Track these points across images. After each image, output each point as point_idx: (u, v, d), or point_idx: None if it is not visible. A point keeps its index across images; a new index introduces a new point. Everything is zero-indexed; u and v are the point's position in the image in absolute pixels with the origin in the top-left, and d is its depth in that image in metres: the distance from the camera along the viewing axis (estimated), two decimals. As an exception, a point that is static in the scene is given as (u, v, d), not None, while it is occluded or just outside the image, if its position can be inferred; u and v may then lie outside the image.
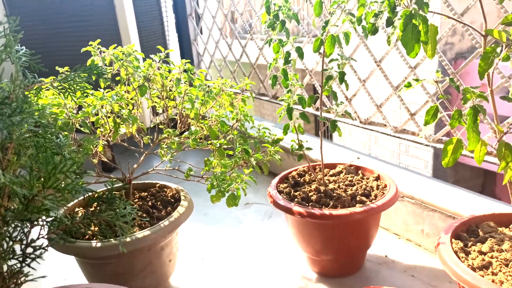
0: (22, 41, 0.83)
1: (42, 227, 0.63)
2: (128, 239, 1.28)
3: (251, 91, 1.85)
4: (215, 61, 3.17)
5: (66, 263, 1.71)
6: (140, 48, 2.55)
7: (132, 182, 1.60)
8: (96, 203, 0.89)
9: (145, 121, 2.47)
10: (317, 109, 2.20)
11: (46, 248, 0.63)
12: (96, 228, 1.42)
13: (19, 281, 0.64)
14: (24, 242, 0.65)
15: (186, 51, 3.33)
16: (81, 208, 1.52)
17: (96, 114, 1.26)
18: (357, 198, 1.45)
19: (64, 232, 1.44)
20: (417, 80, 1.10)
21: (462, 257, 1.05)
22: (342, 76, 1.41)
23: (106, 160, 1.55)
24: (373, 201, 1.42)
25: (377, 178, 1.58)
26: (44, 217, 0.58)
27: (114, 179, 1.50)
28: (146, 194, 1.60)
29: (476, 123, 0.98)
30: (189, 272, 1.67)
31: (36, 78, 0.82)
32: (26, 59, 0.81)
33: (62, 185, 0.55)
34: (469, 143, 1.00)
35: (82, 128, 1.38)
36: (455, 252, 1.05)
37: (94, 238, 1.31)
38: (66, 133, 1.15)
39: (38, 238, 0.65)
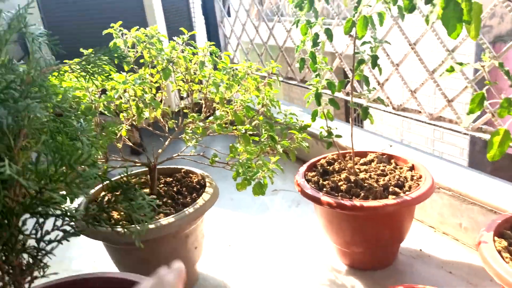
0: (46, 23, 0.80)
1: (57, 218, 0.60)
2: (152, 226, 1.25)
3: (278, 74, 1.78)
4: (242, 44, 3.10)
5: (97, 245, 1.72)
6: (166, 30, 2.51)
7: (158, 167, 1.58)
8: (113, 192, 0.86)
9: (171, 105, 2.45)
10: (347, 94, 2.12)
11: (60, 241, 0.60)
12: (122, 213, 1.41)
13: (32, 276, 0.62)
14: (38, 234, 0.62)
15: (212, 34, 3.27)
16: (107, 192, 1.51)
17: (120, 98, 1.23)
18: (390, 189, 1.38)
19: (92, 217, 1.44)
20: (460, 63, 1.01)
21: (506, 258, 0.97)
22: (375, 60, 1.32)
23: (131, 144, 1.53)
24: (407, 192, 1.34)
25: (411, 168, 1.50)
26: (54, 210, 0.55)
27: (139, 164, 1.48)
28: (171, 179, 1.57)
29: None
30: (216, 259, 1.65)
31: (54, 61, 0.79)
32: (44, 40, 0.78)
33: (69, 179, 0.51)
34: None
35: (106, 112, 1.35)
36: (499, 252, 0.97)
37: (121, 223, 1.30)
38: (90, 117, 1.13)
39: (53, 230, 0.62)
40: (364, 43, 1.31)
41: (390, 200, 1.30)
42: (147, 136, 2.83)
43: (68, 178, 0.51)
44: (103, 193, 1.50)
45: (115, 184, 0.63)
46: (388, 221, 1.39)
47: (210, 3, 3.22)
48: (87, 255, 1.73)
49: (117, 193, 0.83)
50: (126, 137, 1.48)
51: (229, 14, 3.23)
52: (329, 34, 1.36)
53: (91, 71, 0.82)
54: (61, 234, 0.63)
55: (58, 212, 0.53)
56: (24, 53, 3.24)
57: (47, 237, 0.62)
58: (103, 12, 2.49)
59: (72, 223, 0.63)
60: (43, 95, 0.75)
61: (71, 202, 0.56)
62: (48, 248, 0.63)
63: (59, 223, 0.62)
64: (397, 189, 1.38)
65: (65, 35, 2.63)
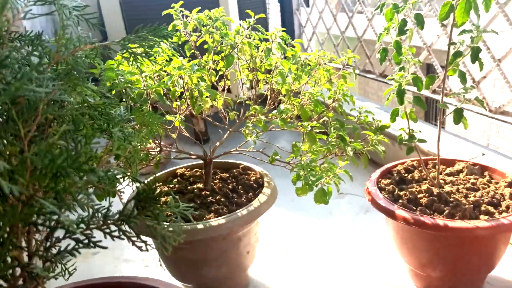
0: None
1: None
2: (200, 226, 1.15)
3: (354, 67, 1.59)
4: (318, 34, 2.91)
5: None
6: (238, 16, 2.40)
7: (215, 161, 1.47)
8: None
9: (234, 95, 2.34)
10: (433, 92, 1.86)
11: (70, 252, 0.50)
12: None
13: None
14: (46, 243, 0.52)
15: (287, 22, 3.11)
16: (160, 184, 1.43)
17: (174, 85, 1.13)
18: (482, 208, 1.15)
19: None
20: None
21: None
22: (476, 53, 1.09)
23: (197, 131, 1.43)
24: (504, 214, 1.10)
25: (511, 184, 1.24)
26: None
27: (194, 157, 1.37)
28: (227, 175, 1.46)
29: None
30: (270, 265, 1.51)
31: (89, 38, 0.68)
32: (81, 14, 0.67)
33: (61, 187, 0.40)
34: None
35: (165, 103, 1.26)
36: None
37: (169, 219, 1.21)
38: (140, 104, 1.03)
39: (64, 238, 0.52)
40: (463, 32, 1.08)
41: (483, 222, 1.07)
42: (214, 127, 2.78)
43: (59, 186, 0.40)
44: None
45: (140, 192, 0.51)
46: (477, 247, 1.16)
47: (286, -10, 3.06)
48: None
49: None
50: (183, 127, 1.38)
51: (307, 3, 3.05)
52: (419, 20, 1.15)
53: (133, 51, 0.71)
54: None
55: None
56: (103, 38, 3.30)
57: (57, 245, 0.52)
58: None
59: (88, 232, 0.52)
60: (72, 77, 0.65)
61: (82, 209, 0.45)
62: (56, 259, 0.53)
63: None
64: (491, 208, 1.15)
65: (139, 15, 2.62)
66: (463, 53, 1.09)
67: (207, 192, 1.34)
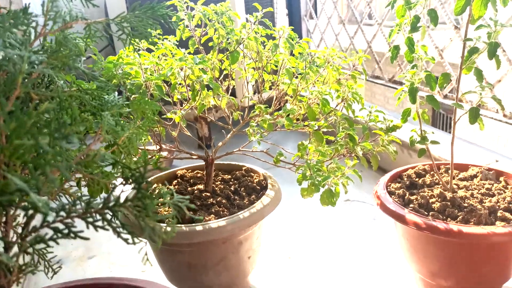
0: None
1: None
2: (199, 228, 1.09)
3: (364, 68, 1.54)
4: (326, 41, 2.86)
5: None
6: (244, 10, 2.37)
7: (217, 162, 1.41)
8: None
9: (238, 96, 2.29)
10: (444, 97, 1.80)
11: (45, 242, 0.44)
12: (169, 210, 1.26)
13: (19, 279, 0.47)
14: (22, 232, 0.47)
15: (296, 28, 3.07)
16: (158, 186, 1.38)
17: (175, 78, 1.08)
18: (498, 214, 1.08)
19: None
20: None
21: None
22: (493, 49, 1.03)
23: (199, 136, 1.38)
24: (522, 220, 1.04)
25: (528, 189, 1.18)
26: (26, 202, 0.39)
27: (195, 157, 1.32)
28: (229, 177, 1.40)
29: None
30: (272, 272, 1.44)
31: (82, 15, 0.63)
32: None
33: (35, 158, 0.35)
34: None
35: (165, 97, 1.21)
36: None
37: (167, 220, 1.15)
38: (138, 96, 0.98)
39: (41, 227, 0.46)
40: (480, 26, 1.03)
41: (500, 228, 1.00)
42: (219, 130, 2.72)
43: (26, 156, 0.34)
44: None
45: (127, 177, 0.46)
46: (493, 255, 1.09)
47: (295, -4, 3.03)
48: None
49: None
50: (184, 125, 1.33)
51: (315, 10, 3.02)
52: (433, 16, 1.09)
53: (129, 32, 0.66)
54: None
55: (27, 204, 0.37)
56: (109, 43, 3.28)
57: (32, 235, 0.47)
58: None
59: (68, 220, 0.46)
60: (61, 55, 0.60)
61: (38, 191, 0.40)
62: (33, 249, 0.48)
63: (51, 217, 0.46)
64: (508, 215, 1.08)
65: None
66: (479, 49, 1.03)
67: (207, 194, 1.28)
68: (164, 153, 1.86)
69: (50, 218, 0.49)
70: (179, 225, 1.11)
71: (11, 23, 0.55)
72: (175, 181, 1.40)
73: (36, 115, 0.43)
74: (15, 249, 0.50)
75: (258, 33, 1.29)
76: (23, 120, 0.35)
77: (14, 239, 0.54)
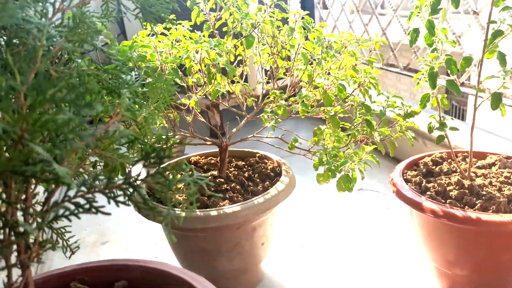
0: None
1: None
2: (214, 213, 1.08)
3: (380, 53, 1.51)
4: (339, 28, 2.83)
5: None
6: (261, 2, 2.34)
7: (231, 149, 1.40)
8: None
9: (253, 83, 2.27)
10: (461, 85, 1.77)
11: (67, 217, 0.43)
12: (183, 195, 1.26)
13: (33, 256, 0.46)
14: (43, 207, 0.46)
15: (309, 15, 3.04)
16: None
17: (191, 61, 1.06)
18: (518, 202, 1.06)
19: (150, 195, 1.32)
20: None
21: None
22: (517, 31, 1.00)
23: (211, 126, 1.37)
24: (543, 209, 1.02)
25: (549, 178, 1.15)
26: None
27: (209, 143, 1.31)
28: (243, 163, 1.39)
29: None
30: (284, 259, 1.44)
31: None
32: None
33: (58, 124, 0.34)
34: None
35: (180, 82, 1.20)
36: None
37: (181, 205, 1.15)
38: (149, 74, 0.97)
39: (63, 201, 0.46)
40: (506, 8, 1.00)
41: (520, 217, 0.98)
42: (230, 119, 2.71)
43: (51, 125, 0.33)
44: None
45: (148, 152, 0.45)
46: (511, 243, 1.07)
47: (307, -17, 2.99)
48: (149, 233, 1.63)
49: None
50: (198, 110, 1.32)
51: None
52: (453, -2, 1.06)
53: (144, 7, 0.64)
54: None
55: (50, 176, 0.36)
56: (121, 32, 3.27)
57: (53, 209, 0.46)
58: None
59: (89, 196, 0.46)
60: (79, 32, 0.59)
61: (58, 162, 0.39)
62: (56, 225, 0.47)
63: (72, 192, 0.46)
64: (527, 204, 1.06)
65: None
66: (503, 32, 1.01)
67: (221, 180, 1.27)
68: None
69: (70, 194, 0.48)
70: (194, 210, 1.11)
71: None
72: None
73: (58, 83, 0.42)
74: (34, 225, 0.49)
75: (274, 17, 1.27)
76: (46, 87, 0.34)
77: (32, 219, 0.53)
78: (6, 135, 0.32)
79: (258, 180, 1.29)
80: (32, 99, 0.34)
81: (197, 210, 1.10)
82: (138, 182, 0.46)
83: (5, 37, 0.46)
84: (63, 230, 0.61)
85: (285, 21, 1.31)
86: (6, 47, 0.44)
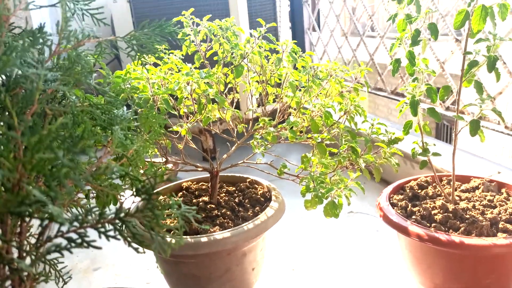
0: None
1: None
2: (204, 240, 1.10)
3: (366, 80, 1.56)
4: (328, 53, 2.90)
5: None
6: (248, 25, 2.41)
7: (222, 175, 1.43)
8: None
9: (243, 109, 2.32)
10: (447, 109, 1.82)
11: (59, 251, 0.46)
12: (175, 221, 1.28)
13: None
14: (37, 242, 0.48)
15: (299, 41, 3.11)
16: (164, 197, 1.40)
17: (181, 92, 1.10)
18: (500, 225, 1.09)
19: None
20: None
21: None
22: (492, 62, 1.05)
23: (203, 149, 1.40)
24: (524, 232, 1.05)
25: (530, 201, 1.19)
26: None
27: (200, 169, 1.34)
28: (234, 189, 1.42)
29: None
30: (275, 283, 1.45)
31: (93, 32, 0.66)
32: (85, 7, 0.65)
33: (52, 170, 0.37)
34: None
35: (172, 111, 1.24)
36: None
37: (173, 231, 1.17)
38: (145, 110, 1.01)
39: (56, 236, 0.48)
40: (479, 40, 1.05)
41: (501, 240, 1.01)
42: (223, 142, 2.75)
43: (45, 168, 0.36)
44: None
45: (138, 189, 0.47)
46: (495, 266, 1.10)
47: (298, 9, 3.08)
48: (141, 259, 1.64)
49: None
50: (190, 137, 1.35)
51: (318, 22, 3.06)
52: (433, 29, 1.12)
53: (138, 48, 0.68)
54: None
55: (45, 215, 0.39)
56: (115, 57, 3.33)
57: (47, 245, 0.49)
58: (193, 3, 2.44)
59: (81, 230, 0.48)
60: (74, 72, 0.62)
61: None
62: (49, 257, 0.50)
63: (66, 228, 0.48)
64: (509, 226, 1.09)
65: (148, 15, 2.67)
66: (479, 62, 1.06)
67: (212, 206, 1.30)
68: (169, 166, 1.88)
69: (63, 229, 0.51)
70: (184, 236, 1.13)
71: (29, 43, 0.58)
72: (181, 193, 1.42)
73: (55, 130, 0.45)
74: (28, 259, 0.52)
75: (262, 47, 1.32)
76: (43, 135, 0.37)
77: (27, 249, 0.56)
78: (5, 179, 0.35)
79: (248, 205, 1.32)
80: (31, 145, 0.37)
81: (188, 236, 1.12)
82: (128, 217, 0.49)
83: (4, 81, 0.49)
84: (56, 261, 0.63)
85: (274, 50, 1.36)
86: (5, 92, 0.47)
